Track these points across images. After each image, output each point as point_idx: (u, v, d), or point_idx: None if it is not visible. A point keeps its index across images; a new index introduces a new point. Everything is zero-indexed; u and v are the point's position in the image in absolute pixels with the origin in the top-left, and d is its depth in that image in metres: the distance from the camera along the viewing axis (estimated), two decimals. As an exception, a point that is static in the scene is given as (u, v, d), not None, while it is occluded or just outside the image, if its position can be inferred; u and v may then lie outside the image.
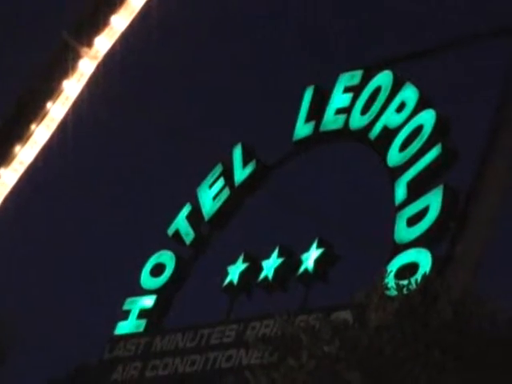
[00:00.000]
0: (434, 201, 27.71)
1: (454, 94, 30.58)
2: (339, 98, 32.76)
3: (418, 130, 29.40)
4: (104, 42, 43.41)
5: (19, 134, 43.74)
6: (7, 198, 44.10)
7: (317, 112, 33.28)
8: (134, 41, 42.73)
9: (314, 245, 30.23)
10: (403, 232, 28.02)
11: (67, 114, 42.67)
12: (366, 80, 32.26)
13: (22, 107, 43.94)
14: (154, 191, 37.94)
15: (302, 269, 30.21)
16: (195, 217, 34.72)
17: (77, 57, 41.83)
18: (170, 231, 35.07)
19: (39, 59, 43.25)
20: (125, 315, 34.03)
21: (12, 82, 44.97)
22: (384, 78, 31.61)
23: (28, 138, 43.66)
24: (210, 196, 34.70)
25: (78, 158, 42.06)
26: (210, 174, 35.00)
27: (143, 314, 33.77)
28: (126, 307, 34.25)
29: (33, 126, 43.39)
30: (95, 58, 43.14)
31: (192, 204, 34.95)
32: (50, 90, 42.52)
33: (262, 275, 31.26)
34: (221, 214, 34.41)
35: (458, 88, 30.79)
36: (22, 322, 34.73)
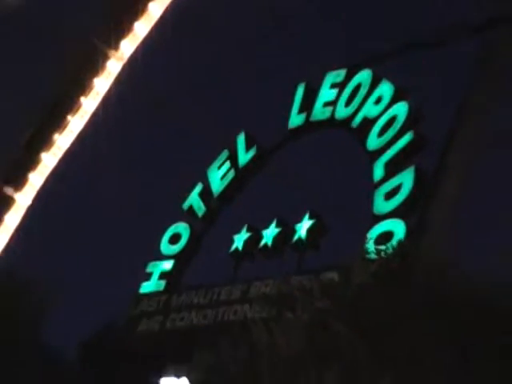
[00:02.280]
0: (406, 179, 28.07)
1: (426, 87, 30.66)
2: (326, 93, 33.21)
3: (393, 119, 29.86)
4: (128, 46, 43.51)
5: (57, 124, 43.93)
6: (48, 179, 44.17)
7: (307, 105, 33.71)
8: (153, 44, 42.93)
9: (306, 216, 30.69)
10: (381, 205, 28.40)
11: (98, 107, 42.95)
12: (348, 77, 32.67)
13: (59, 102, 44.16)
14: (172, 173, 37.94)
15: (296, 237, 30.70)
16: (206, 194, 35.21)
17: (105, 58, 42.00)
18: (185, 206, 35.51)
19: (72, 61, 43.50)
20: (147, 277, 34.46)
21: (49, 81, 45.10)
22: (364, 76, 32.06)
23: (65, 128, 43.83)
24: (218, 176, 35.17)
25: (108, 145, 42.12)
26: (218, 158, 35.59)
27: (163, 275, 34.22)
28: (148, 270, 34.71)
29: (69, 117, 43.60)
30: (121, 59, 43.26)
31: (203, 183, 35.35)
32: (83, 87, 42.75)
33: (263, 243, 31.79)
34: (227, 191, 34.88)
35: (430, 82, 30.89)
36: (55, 286, 34.70)
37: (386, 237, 26.44)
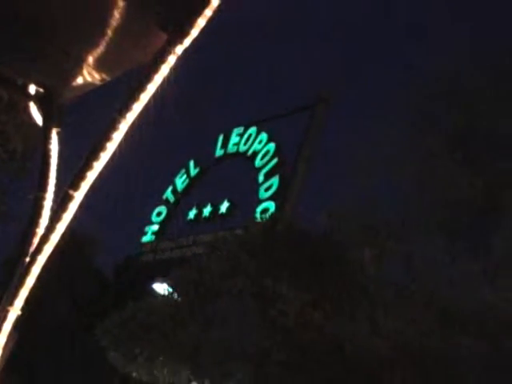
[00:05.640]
0: (275, 181, 28.79)
1: (284, 136, 30.97)
2: (234, 139, 33.32)
3: (268, 151, 30.47)
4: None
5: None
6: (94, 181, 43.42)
7: (225, 144, 33.77)
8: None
9: (226, 201, 30.91)
10: (262, 194, 28.89)
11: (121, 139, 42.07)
12: (245, 130, 32.81)
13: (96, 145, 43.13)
14: (158, 180, 37.45)
15: (220, 212, 31.00)
16: (174, 191, 34.92)
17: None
18: (164, 197, 35.13)
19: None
20: (145, 233, 34.24)
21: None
22: (253, 130, 32.33)
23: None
24: (180, 182, 34.87)
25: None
26: (180, 173, 35.29)
27: (153, 233, 34.06)
28: (146, 230, 34.41)
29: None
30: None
31: (173, 186, 35.06)
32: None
33: (203, 215, 31.87)
34: (185, 189, 34.72)
35: (286, 133, 31.17)
36: (99, 238, 34.23)
37: (265, 211, 26.81)
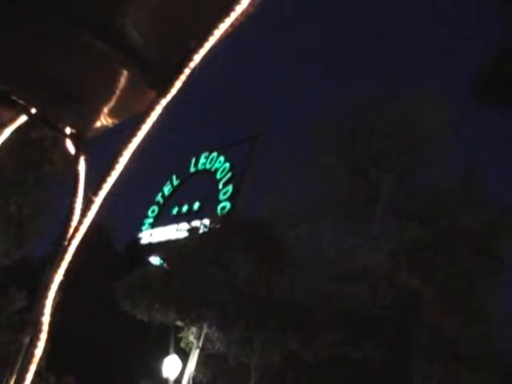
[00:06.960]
0: (229, 188, 28.34)
1: (236, 157, 30.70)
2: (202, 160, 32.57)
3: (225, 168, 29.92)
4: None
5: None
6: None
7: (196, 163, 33.11)
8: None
9: (197, 202, 30.26)
10: (221, 197, 28.43)
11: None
12: (209, 154, 32.24)
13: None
14: (154, 188, 36.72)
15: (193, 209, 30.23)
16: (163, 195, 34.09)
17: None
18: (156, 200, 34.23)
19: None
20: (144, 224, 33.29)
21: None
22: (214, 154, 31.80)
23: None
24: (167, 189, 33.99)
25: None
26: (166, 183, 34.29)
27: (150, 223, 33.08)
28: (144, 222, 33.43)
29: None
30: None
31: (162, 192, 34.24)
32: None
33: (182, 211, 31.06)
34: (170, 194, 33.88)
35: (236, 157, 30.93)
36: (116, 227, 32.93)
37: (223, 208, 26.68)
